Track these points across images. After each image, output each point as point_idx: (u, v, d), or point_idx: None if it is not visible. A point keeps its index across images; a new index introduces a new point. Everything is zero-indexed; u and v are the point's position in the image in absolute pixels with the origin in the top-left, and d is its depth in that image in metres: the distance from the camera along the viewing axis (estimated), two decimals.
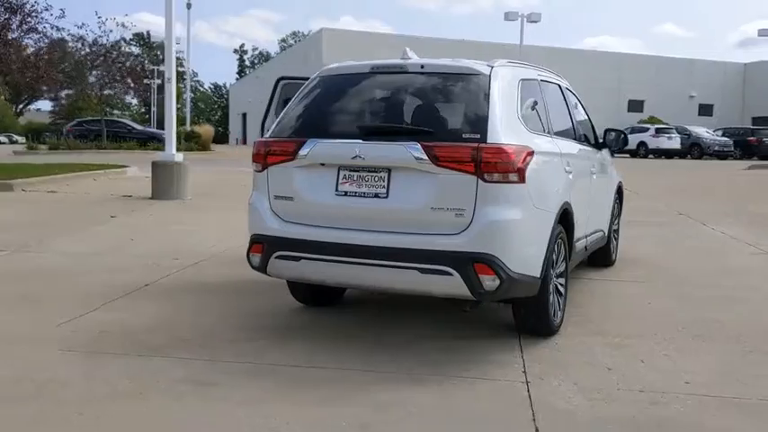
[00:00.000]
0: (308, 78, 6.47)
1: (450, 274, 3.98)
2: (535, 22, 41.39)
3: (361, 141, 4.25)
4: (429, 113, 4.38)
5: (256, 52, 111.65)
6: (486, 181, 3.99)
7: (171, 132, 13.31)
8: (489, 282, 3.96)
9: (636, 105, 60.89)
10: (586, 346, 4.57)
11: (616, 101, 59.38)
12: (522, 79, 4.71)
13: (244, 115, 75.72)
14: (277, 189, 4.52)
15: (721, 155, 36.63)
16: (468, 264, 3.96)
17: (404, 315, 5.26)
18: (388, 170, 4.19)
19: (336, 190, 4.32)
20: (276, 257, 4.45)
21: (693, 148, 37.03)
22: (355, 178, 4.27)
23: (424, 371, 4.05)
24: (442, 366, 4.14)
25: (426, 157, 4.05)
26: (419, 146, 4.08)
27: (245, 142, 69.87)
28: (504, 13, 40.54)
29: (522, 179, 4.09)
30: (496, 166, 3.99)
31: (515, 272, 4.04)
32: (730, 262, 7.72)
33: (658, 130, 37.22)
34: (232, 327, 4.90)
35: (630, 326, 5.06)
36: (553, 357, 4.34)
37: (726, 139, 37.49)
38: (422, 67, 4.49)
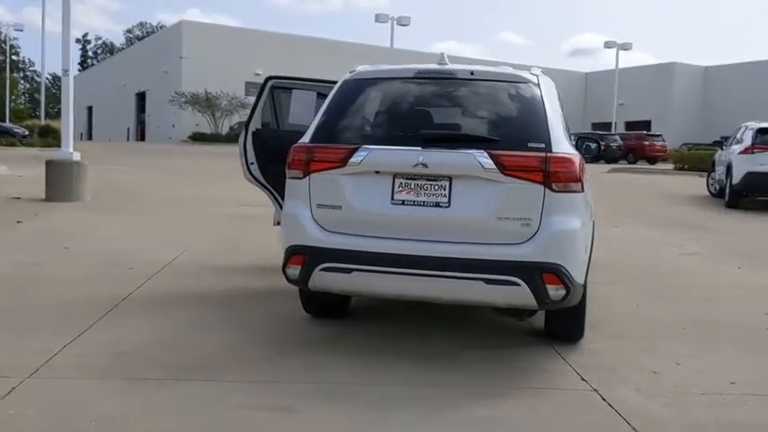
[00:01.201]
0: (299, 79, 6.25)
1: (518, 285, 3.94)
2: (405, 25, 42.25)
3: (419, 149, 4.11)
4: (489, 121, 4.31)
5: (99, 42, 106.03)
6: (553, 190, 3.99)
7: (68, 130, 12.29)
8: (555, 291, 3.97)
9: None
10: (617, 350, 4.68)
11: None
12: (554, 86, 4.76)
13: (89, 108, 71.41)
14: (321, 197, 4.27)
15: None
16: (535, 274, 3.94)
17: (419, 325, 5.13)
18: (449, 178, 4.08)
19: (392, 199, 4.15)
20: (322, 269, 4.20)
21: None
22: (413, 187, 4.12)
23: (492, 383, 3.99)
24: (503, 377, 4.09)
25: (494, 166, 3.99)
26: (486, 154, 4.01)
27: (90, 137, 65.85)
28: (374, 14, 41.07)
29: (582, 188, 4.13)
30: (563, 176, 4.00)
31: (576, 281, 4.07)
32: (671, 262, 8.22)
33: None
34: (253, 342, 4.58)
35: (636, 327, 5.25)
36: (598, 363, 4.39)
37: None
38: (471, 73, 4.41)
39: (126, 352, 4.27)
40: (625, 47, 47.95)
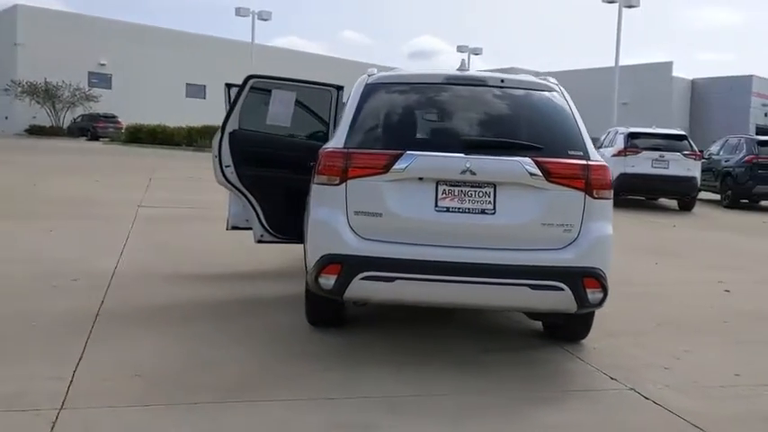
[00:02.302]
0: (280, 79, 6.00)
1: (562, 290, 4.04)
2: (266, 20, 41.52)
3: (462, 155, 4.09)
4: (528, 129, 4.35)
5: None
6: (593, 197, 4.12)
7: None
8: (594, 295, 4.10)
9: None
10: (618, 348, 4.90)
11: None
12: None
13: None
14: (359, 204, 4.13)
15: None
16: (578, 278, 4.05)
17: (420, 331, 5.10)
18: (494, 185, 4.09)
19: (436, 206, 4.09)
20: (362, 278, 4.07)
21: None
22: (457, 193, 4.10)
23: (531, 387, 4.05)
24: (536, 381, 4.17)
25: (540, 173, 4.05)
26: (532, 161, 4.07)
27: None
28: (235, 8, 39.93)
29: (612, 195, 4.30)
30: (601, 183, 4.15)
31: (608, 284, 4.23)
32: None
33: None
34: (275, 356, 4.37)
35: (622, 324, 5.45)
36: (612, 362, 4.58)
37: None
38: (502, 81, 4.45)
39: (144, 375, 3.92)
40: (476, 51, 50.00)
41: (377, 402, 3.71)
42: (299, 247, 7.16)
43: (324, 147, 4.48)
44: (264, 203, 5.75)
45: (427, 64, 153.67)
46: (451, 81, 4.48)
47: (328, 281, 4.14)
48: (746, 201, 17.50)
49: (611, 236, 4.24)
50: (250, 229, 6.73)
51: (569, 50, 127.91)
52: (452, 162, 4.06)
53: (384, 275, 4.05)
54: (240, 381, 3.91)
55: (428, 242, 4.07)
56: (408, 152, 4.08)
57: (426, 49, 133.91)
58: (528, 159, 4.07)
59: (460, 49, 49.69)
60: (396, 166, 4.07)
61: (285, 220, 5.84)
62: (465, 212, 4.09)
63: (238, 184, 5.72)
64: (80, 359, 4.09)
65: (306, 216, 4.76)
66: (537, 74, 5.02)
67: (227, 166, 5.68)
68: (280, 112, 5.73)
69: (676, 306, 6.36)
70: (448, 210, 4.09)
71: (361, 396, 3.78)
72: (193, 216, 10.62)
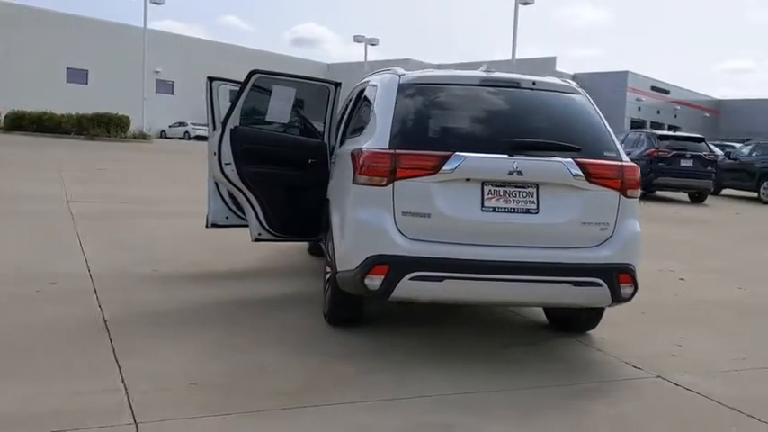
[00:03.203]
0: (281, 74, 5.87)
1: (600, 285, 4.22)
2: (159, 3, 39.94)
3: (507, 156, 4.19)
4: (566, 131, 4.47)
5: None
6: (627, 196, 4.33)
7: None
8: (626, 289, 4.31)
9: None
10: (622, 338, 5.14)
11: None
12: None
13: None
14: (407, 205, 4.14)
15: None
16: (613, 274, 4.24)
17: (430, 330, 5.17)
18: (536, 186, 4.22)
19: (483, 206, 4.17)
20: (411, 278, 4.09)
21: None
22: (502, 194, 4.19)
23: (568, 380, 4.20)
24: (569, 374, 4.33)
25: (581, 174, 4.21)
26: (574, 162, 4.22)
27: None
28: None
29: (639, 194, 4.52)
30: (634, 183, 4.37)
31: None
32: None
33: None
34: (321, 358, 4.32)
35: (613, 313, 5.67)
36: (626, 351, 4.79)
37: None
38: (534, 83, 4.57)
39: (199, 383, 3.79)
40: (372, 42, 50.28)
41: (440, 401, 3.75)
42: (268, 245, 7.11)
43: (358, 147, 4.44)
44: (265, 201, 5.63)
45: (313, 52, 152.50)
46: (487, 83, 4.56)
47: (375, 281, 4.14)
48: (644, 191, 18.75)
49: (640, 233, 4.47)
50: (230, 227, 6.60)
51: (461, 44, 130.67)
52: (500, 163, 4.15)
53: (433, 275, 4.10)
54: (297, 385, 3.85)
55: (475, 242, 4.15)
56: (457, 153, 4.13)
57: (311, 37, 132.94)
58: (570, 161, 4.22)
59: (357, 39, 49.79)
60: (445, 167, 4.11)
61: (285, 219, 5.74)
62: (510, 212, 4.19)
63: (238, 182, 5.56)
64: (120, 370, 3.89)
65: (335, 216, 4.71)
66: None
67: (227, 164, 5.51)
68: (279, 109, 5.62)
69: (646, 294, 6.65)
70: (494, 210, 4.18)
71: (434, 395, 3.81)
72: (138, 212, 10.19)
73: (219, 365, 4.08)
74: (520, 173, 4.15)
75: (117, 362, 4.01)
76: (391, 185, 4.15)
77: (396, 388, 3.90)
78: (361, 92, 5.52)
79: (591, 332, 5.18)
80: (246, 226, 6.64)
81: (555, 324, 5.23)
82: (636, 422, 3.68)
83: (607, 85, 58.23)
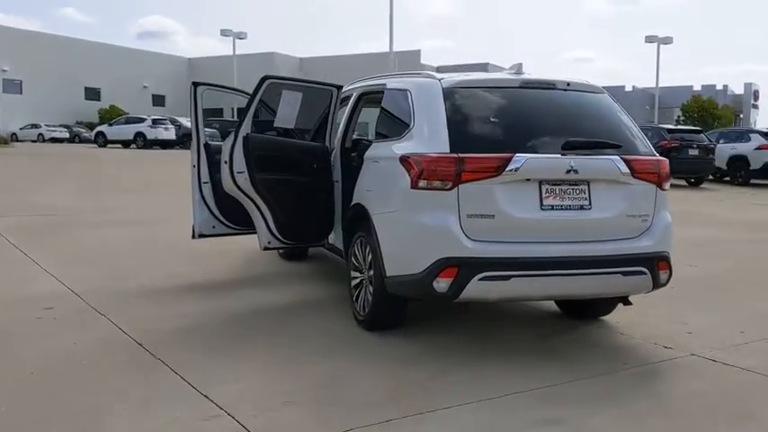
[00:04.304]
0: (291, 79, 5.70)
1: (645, 274, 4.48)
2: None
3: (560, 155, 4.34)
4: (608, 129, 4.67)
5: None
6: (662, 189, 4.62)
7: None
8: (664, 276, 4.61)
9: (93, 94, 59.87)
10: (635, 318, 5.30)
11: (71, 88, 57.34)
12: None
13: None
14: (472, 207, 4.20)
15: None
16: (654, 262, 4.51)
17: (455, 328, 5.24)
18: (587, 183, 4.40)
19: (542, 204, 4.31)
20: (480, 279, 4.17)
21: (187, 138, 38.57)
22: (557, 192, 4.34)
23: (623, 364, 4.41)
24: (617, 359, 4.54)
25: (628, 170, 4.45)
26: (621, 159, 4.45)
27: None
28: None
29: None
30: (666, 176, 4.66)
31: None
32: None
33: (155, 121, 37.60)
34: (380, 364, 4.31)
35: None
36: (648, 333, 5.05)
37: (214, 130, 40.12)
38: (568, 84, 4.75)
39: (294, 401, 3.68)
40: (240, 36, 49.17)
41: (532, 396, 3.85)
42: (231, 251, 6.94)
43: (409, 152, 4.44)
44: (276, 209, 5.46)
45: (162, 45, 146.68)
46: (527, 85, 4.69)
47: (443, 284, 4.18)
48: None
49: (672, 222, 4.77)
50: (217, 236, 6.39)
51: (325, 36, 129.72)
52: (558, 162, 4.31)
53: (501, 275, 4.19)
54: (383, 393, 3.84)
55: (536, 239, 4.29)
56: (518, 154, 4.25)
57: (157, 30, 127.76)
58: (617, 157, 4.44)
59: (225, 33, 48.57)
60: (508, 169, 4.21)
61: (295, 225, 5.62)
62: (566, 209, 4.36)
63: (250, 191, 5.35)
64: (202, 393, 3.70)
65: (382, 222, 4.65)
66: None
67: (239, 172, 5.29)
68: (287, 114, 5.48)
69: None
70: (552, 208, 4.33)
71: (518, 392, 3.88)
72: (69, 223, 9.57)
73: (296, 380, 3.98)
74: (576, 171, 4.32)
75: (191, 385, 3.83)
76: (456, 189, 4.20)
77: (480, 386, 3.95)
78: (368, 96, 5.53)
79: (603, 318, 5.46)
80: (232, 235, 6.49)
81: (570, 313, 5.46)
82: (712, 398, 3.94)
83: None
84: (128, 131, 37.52)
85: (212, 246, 6.95)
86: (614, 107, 4.88)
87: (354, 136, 6.17)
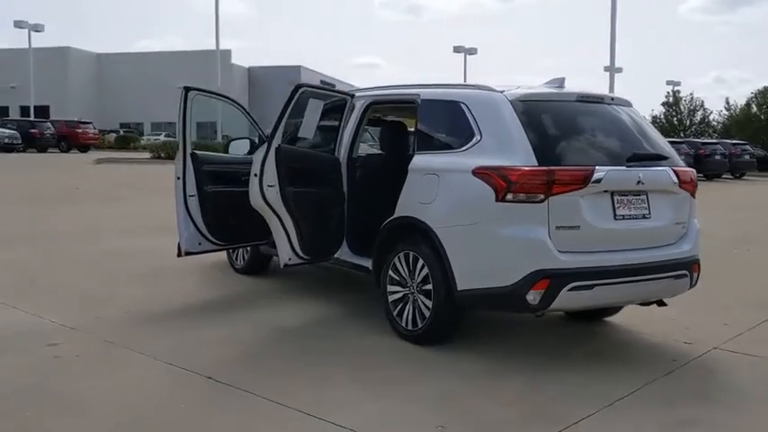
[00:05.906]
0: (321, 88, 5.38)
1: (686, 276, 4.87)
2: None
3: (625, 167, 4.57)
4: (652, 140, 4.96)
5: None
6: (693, 197, 5.02)
7: None
8: (696, 276, 5.02)
9: None
10: (636, 317, 5.60)
11: None
12: None
13: None
14: (560, 219, 4.30)
15: (8, 147, 35.52)
16: (691, 265, 4.92)
17: (479, 333, 5.30)
18: (647, 193, 4.67)
19: (615, 214, 4.50)
20: (569, 290, 4.28)
21: None
22: (625, 202, 4.56)
23: (658, 365, 4.65)
24: (649, 359, 4.83)
25: (677, 180, 4.79)
26: (672, 170, 4.78)
27: None
28: None
29: None
30: (696, 185, 5.07)
31: None
32: None
33: None
34: (456, 376, 4.33)
35: None
36: (655, 330, 5.41)
37: (13, 131, 36.41)
38: (612, 99, 5.00)
39: (446, 425, 3.57)
40: (37, 28, 44.91)
41: (648, 399, 4.04)
42: (188, 269, 6.53)
43: (489, 164, 4.42)
44: (302, 224, 5.12)
45: None
46: (582, 99, 4.87)
47: (535, 296, 4.26)
48: None
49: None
50: (203, 253, 5.96)
51: (125, 33, 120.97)
52: (630, 174, 4.56)
53: (587, 284, 4.35)
54: (504, 408, 3.89)
55: (611, 248, 4.51)
56: (599, 166, 4.41)
57: None
58: (668, 168, 4.79)
59: (19, 24, 44.19)
60: (592, 180, 4.37)
61: (317, 241, 5.33)
62: (633, 218, 4.62)
63: (279, 205, 4.97)
64: (331, 422, 3.52)
65: (454, 235, 4.57)
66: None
67: (270, 186, 4.90)
68: (310, 123, 5.19)
69: None
70: (624, 217, 4.57)
71: (618, 399, 4.02)
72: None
73: (416, 402, 3.90)
74: (642, 182, 4.58)
75: (304, 412, 3.66)
76: (546, 201, 4.27)
77: (583, 395, 4.07)
78: (381, 106, 5.71)
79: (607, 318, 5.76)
80: (217, 251, 6.10)
81: (577, 317, 5.68)
82: (758, 392, 4.31)
83: (283, 79, 60.08)
84: None
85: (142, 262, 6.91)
86: (645, 119, 5.22)
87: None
